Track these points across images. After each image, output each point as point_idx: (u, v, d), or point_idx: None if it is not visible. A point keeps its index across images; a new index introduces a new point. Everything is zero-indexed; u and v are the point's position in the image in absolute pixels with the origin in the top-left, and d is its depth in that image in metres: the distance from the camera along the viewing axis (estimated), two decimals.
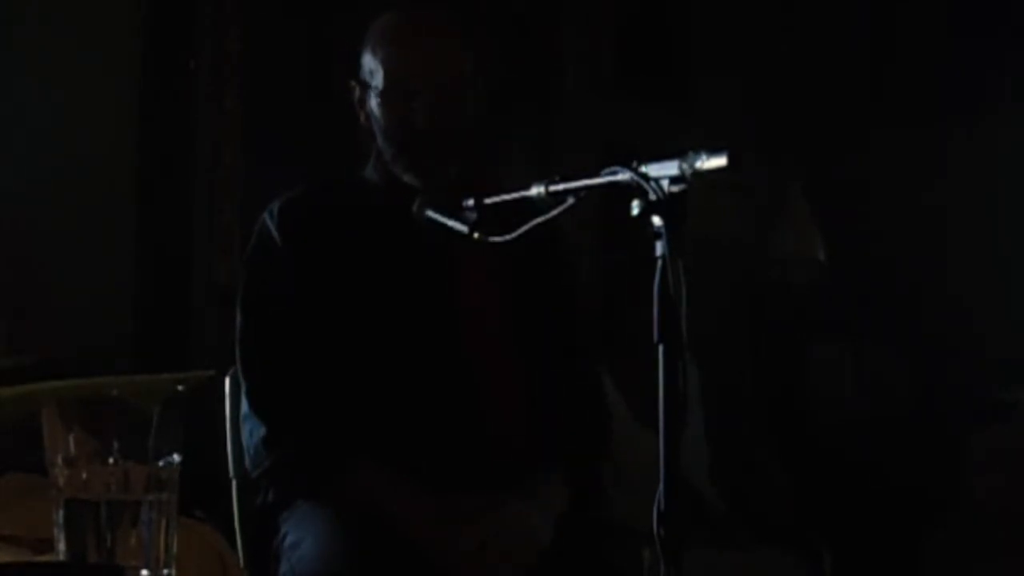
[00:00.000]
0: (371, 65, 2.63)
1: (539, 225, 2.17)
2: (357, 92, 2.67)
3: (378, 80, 2.61)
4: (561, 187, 2.13)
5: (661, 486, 1.88)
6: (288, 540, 2.51)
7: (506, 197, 2.24)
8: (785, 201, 4.78)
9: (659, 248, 1.90)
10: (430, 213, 2.41)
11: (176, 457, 1.54)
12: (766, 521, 3.99)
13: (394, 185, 2.63)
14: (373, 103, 2.63)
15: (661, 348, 1.89)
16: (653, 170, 1.95)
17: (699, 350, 2.31)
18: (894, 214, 4.84)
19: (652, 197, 1.92)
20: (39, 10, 3.84)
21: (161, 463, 1.52)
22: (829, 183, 4.86)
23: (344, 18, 3.93)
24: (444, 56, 2.61)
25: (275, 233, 2.63)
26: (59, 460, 1.52)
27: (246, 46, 4.13)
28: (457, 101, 2.60)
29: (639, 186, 1.94)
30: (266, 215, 2.66)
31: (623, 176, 1.98)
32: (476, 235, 2.28)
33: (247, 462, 2.59)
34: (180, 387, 1.62)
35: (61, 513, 1.51)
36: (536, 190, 2.16)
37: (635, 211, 1.93)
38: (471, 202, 2.30)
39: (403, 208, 2.48)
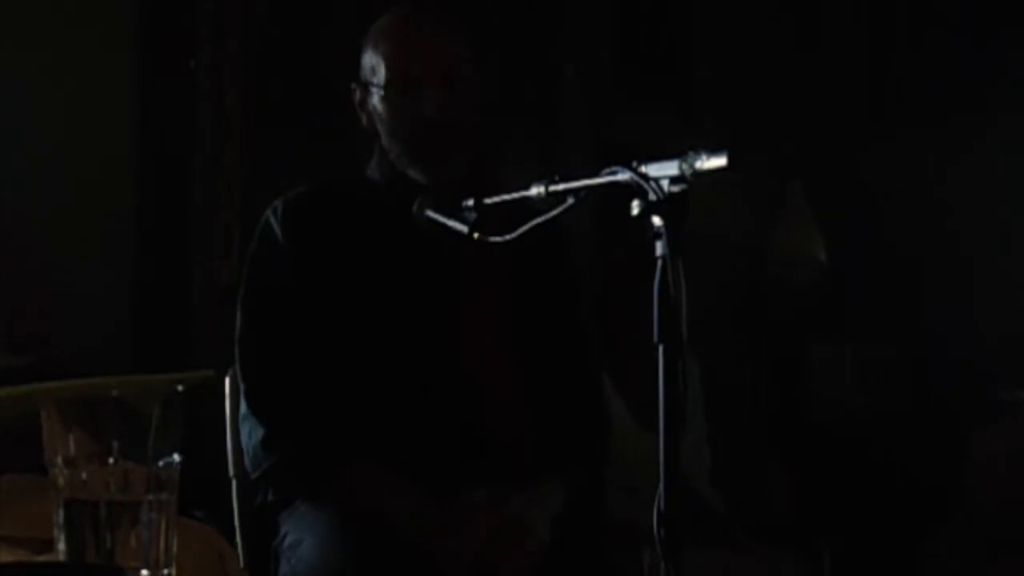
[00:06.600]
0: (372, 62, 2.62)
1: (539, 225, 2.17)
2: (358, 94, 2.67)
3: (380, 76, 2.60)
4: (561, 187, 2.13)
5: (661, 487, 1.88)
6: (288, 540, 2.51)
7: (506, 197, 2.24)
8: (785, 201, 4.78)
9: (659, 248, 1.90)
10: (430, 213, 2.41)
11: (176, 457, 1.53)
12: (766, 521, 3.99)
13: (397, 184, 2.63)
14: (376, 100, 2.62)
15: (661, 348, 1.89)
16: (653, 170, 1.95)
17: (699, 350, 2.31)
18: (895, 213, 4.84)
19: (652, 197, 1.92)
20: (38, 10, 3.84)
21: (161, 463, 1.52)
22: (829, 183, 4.86)
23: (343, 18, 3.93)
24: (446, 48, 2.61)
25: (278, 232, 2.63)
26: (58, 460, 1.51)
27: (246, 46, 4.13)
28: (461, 93, 2.60)
29: (639, 186, 1.94)
30: (269, 213, 2.66)
31: (623, 176, 1.98)
32: (476, 235, 2.28)
33: (246, 463, 2.59)
34: (180, 387, 1.62)
35: (61, 513, 1.51)
36: (536, 190, 2.16)
37: (635, 211, 1.93)
38: (471, 202, 2.30)
39: (406, 208, 2.47)
